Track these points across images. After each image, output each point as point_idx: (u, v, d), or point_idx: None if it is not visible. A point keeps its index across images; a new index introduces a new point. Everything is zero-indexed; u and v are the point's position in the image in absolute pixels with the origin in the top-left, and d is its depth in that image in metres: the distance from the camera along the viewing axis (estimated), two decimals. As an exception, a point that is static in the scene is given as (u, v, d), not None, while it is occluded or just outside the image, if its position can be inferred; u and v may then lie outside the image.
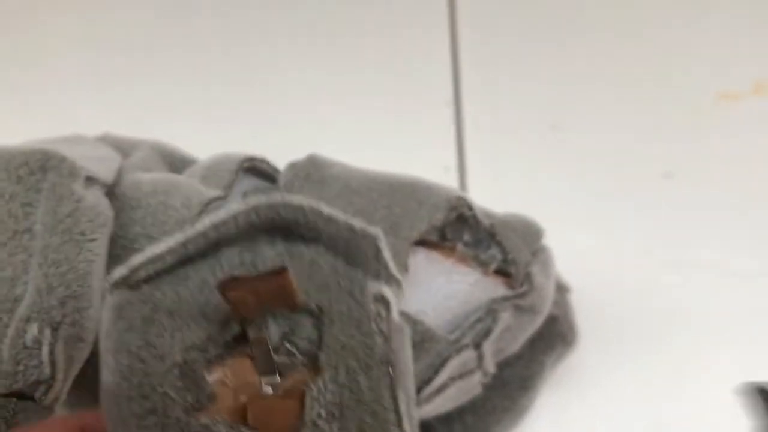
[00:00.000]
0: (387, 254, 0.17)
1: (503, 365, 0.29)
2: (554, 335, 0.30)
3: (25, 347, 0.19)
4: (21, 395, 0.19)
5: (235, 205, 0.16)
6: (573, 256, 0.30)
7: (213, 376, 0.15)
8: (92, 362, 0.24)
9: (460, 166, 0.38)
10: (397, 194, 0.26)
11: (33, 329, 0.19)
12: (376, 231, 0.17)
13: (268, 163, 0.30)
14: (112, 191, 0.25)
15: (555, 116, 0.40)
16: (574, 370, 0.31)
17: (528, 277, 0.26)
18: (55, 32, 0.50)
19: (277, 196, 0.17)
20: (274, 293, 0.15)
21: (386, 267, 0.17)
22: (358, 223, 0.17)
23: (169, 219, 0.25)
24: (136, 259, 0.16)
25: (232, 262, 0.16)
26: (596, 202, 0.36)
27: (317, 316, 0.16)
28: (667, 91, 0.40)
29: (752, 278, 0.33)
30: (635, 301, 0.33)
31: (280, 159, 0.29)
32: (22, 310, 0.20)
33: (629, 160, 0.38)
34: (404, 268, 0.24)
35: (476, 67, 0.42)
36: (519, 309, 0.26)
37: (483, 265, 0.26)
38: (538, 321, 0.27)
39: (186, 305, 0.16)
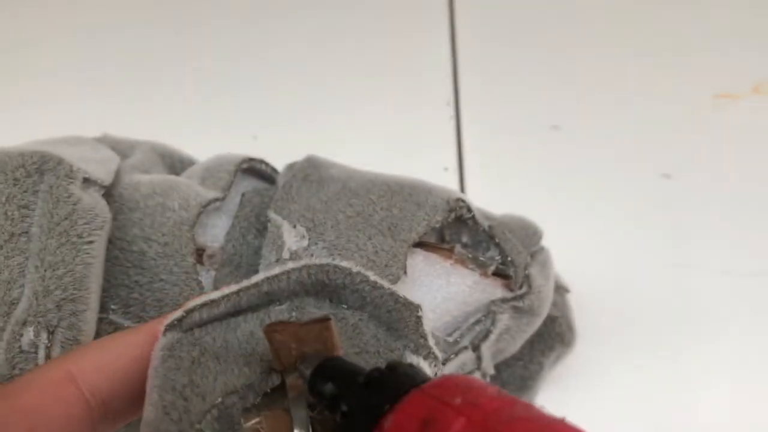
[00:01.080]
0: (427, 328, 0.18)
1: (502, 366, 0.28)
2: (553, 336, 0.29)
3: (21, 351, 0.19)
4: (17, 399, 0.19)
5: (289, 264, 0.18)
6: (572, 256, 0.30)
7: (249, 424, 0.16)
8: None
9: (460, 166, 0.38)
10: (395, 196, 0.26)
11: (29, 333, 0.19)
12: (417, 303, 0.18)
13: (266, 164, 0.29)
14: (110, 192, 0.25)
15: (554, 117, 0.39)
16: (573, 370, 0.30)
17: (527, 279, 0.26)
18: (55, 31, 0.49)
19: (328, 260, 0.18)
20: (315, 342, 0.16)
21: (425, 340, 0.18)
22: (401, 293, 0.18)
23: (167, 221, 0.25)
24: (193, 302, 0.17)
25: (280, 317, 0.18)
26: (595, 202, 0.36)
27: None
28: (666, 92, 0.40)
29: (752, 278, 0.33)
30: (634, 302, 0.33)
31: (280, 159, 0.29)
32: (18, 313, 0.20)
33: (628, 161, 0.37)
34: (402, 270, 0.24)
35: (475, 68, 0.42)
36: (518, 311, 0.26)
37: (482, 266, 0.25)
38: (537, 322, 0.27)
39: (232, 352, 0.17)
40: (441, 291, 0.25)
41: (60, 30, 0.49)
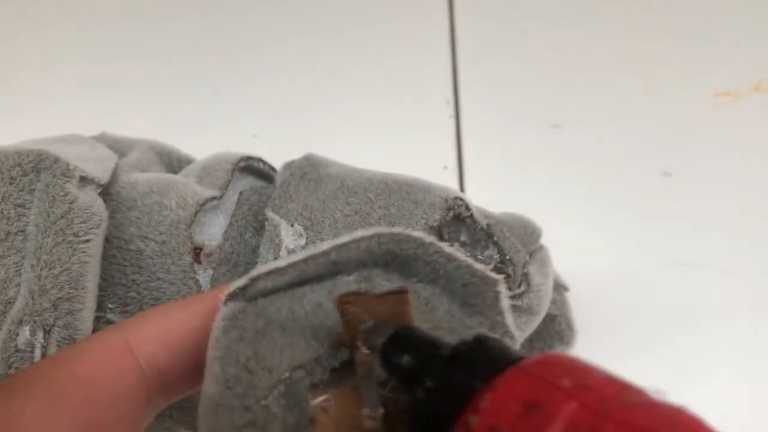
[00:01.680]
0: (506, 304, 0.16)
1: (501, 365, 0.28)
2: (552, 335, 0.29)
3: (17, 350, 0.19)
4: (13, 398, 0.19)
5: (358, 231, 0.16)
6: (571, 255, 0.29)
7: (317, 401, 0.15)
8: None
9: (459, 165, 0.38)
10: (393, 194, 0.26)
11: (25, 332, 0.19)
12: (497, 277, 0.16)
13: (264, 162, 0.29)
14: (107, 191, 0.25)
15: (554, 115, 0.39)
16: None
17: (526, 278, 0.25)
18: (53, 29, 0.49)
19: (400, 229, 0.16)
20: (390, 316, 0.15)
21: (503, 317, 0.16)
22: (479, 266, 0.16)
23: (164, 219, 0.25)
24: (257, 270, 0.16)
25: (347, 288, 0.16)
26: (595, 200, 0.36)
27: None
28: (667, 90, 0.40)
29: (752, 277, 0.33)
30: (633, 300, 0.32)
31: (279, 158, 0.29)
32: (14, 312, 0.19)
33: (628, 159, 0.37)
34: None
35: (475, 66, 0.42)
36: (517, 309, 0.25)
37: (480, 265, 0.25)
38: (536, 321, 0.26)
39: (299, 324, 0.16)
40: (439, 290, 0.25)
41: (58, 27, 0.49)
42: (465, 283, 0.16)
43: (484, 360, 0.13)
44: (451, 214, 0.25)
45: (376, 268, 0.17)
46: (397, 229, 0.16)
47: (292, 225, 0.26)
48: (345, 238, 0.16)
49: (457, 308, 0.17)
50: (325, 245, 0.16)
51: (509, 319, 0.17)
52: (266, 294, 0.16)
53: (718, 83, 0.39)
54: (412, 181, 0.27)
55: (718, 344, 0.31)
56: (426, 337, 0.14)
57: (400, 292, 0.15)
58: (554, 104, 0.39)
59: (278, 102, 0.42)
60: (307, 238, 0.25)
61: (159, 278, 0.24)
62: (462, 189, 0.37)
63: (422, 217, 0.25)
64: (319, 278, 0.16)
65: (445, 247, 0.16)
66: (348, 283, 0.16)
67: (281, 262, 0.16)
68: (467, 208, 0.26)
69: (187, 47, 0.47)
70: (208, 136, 0.37)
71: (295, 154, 0.28)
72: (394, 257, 0.16)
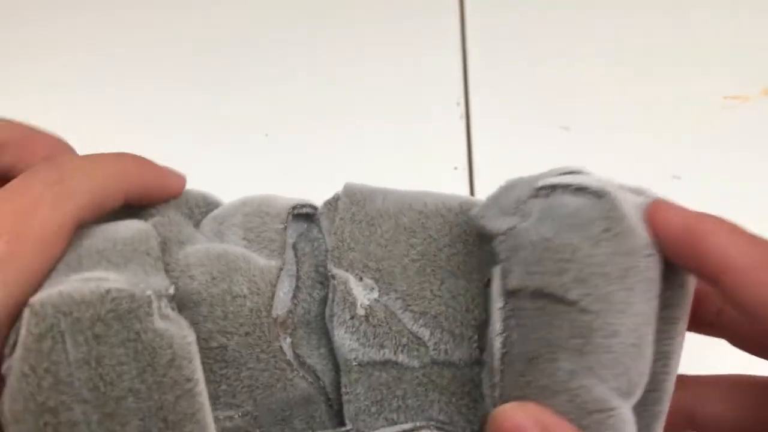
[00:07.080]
0: None
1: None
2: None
3: None
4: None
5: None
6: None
7: None
8: None
9: (469, 165, 0.36)
10: (454, 228, 0.25)
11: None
12: None
13: (311, 206, 0.26)
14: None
15: (564, 117, 0.38)
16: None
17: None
18: (63, 28, 0.40)
19: None
20: None
21: None
22: None
23: (241, 309, 0.22)
24: None
25: None
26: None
27: None
28: (677, 93, 0.40)
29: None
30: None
31: (291, 156, 0.27)
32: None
33: (638, 161, 0.38)
34: (484, 311, 0.24)
35: (486, 67, 0.39)
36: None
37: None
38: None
39: None
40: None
41: (69, 27, 0.39)
42: None
43: None
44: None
45: None
46: None
47: (361, 279, 0.25)
48: None
49: None
50: None
51: None
52: None
53: (727, 86, 0.39)
54: (465, 204, 0.26)
55: (720, 345, 0.34)
56: None
57: None
58: (564, 106, 0.38)
59: (289, 100, 0.37)
60: (379, 290, 0.25)
61: (250, 368, 0.23)
62: (472, 190, 0.36)
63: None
64: None
65: None
66: None
67: None
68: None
69: (198, 45, 0.40)
70: (219, 134, 0.32)
71: (306, 152, 0.26)
72: None
